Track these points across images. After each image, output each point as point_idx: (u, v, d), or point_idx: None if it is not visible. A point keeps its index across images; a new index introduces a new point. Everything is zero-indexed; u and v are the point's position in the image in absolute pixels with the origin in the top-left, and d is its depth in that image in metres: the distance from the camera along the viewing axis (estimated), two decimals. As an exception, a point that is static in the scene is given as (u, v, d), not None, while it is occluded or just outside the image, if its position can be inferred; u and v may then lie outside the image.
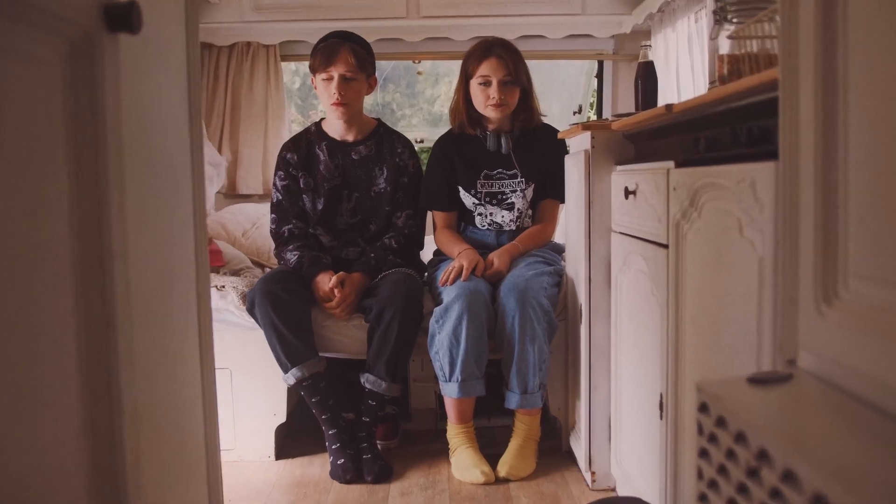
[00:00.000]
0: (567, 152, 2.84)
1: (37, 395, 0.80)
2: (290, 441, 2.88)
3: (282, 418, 2.75)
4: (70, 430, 0.87)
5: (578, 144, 2.50)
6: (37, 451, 0.80)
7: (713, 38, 1.60)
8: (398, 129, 5.62)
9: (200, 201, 1.47)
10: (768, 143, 1.35)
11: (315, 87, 2.80)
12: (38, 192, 0.81)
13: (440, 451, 2.71)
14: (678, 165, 1.71)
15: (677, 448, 1.74)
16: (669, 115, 1.77)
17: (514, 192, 2.82)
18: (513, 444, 2.57)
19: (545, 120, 2.92)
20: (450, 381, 2.50)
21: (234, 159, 4.06)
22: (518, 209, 2.82)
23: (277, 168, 2.91)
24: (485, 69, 2.70)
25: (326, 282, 2.64)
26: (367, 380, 2.59)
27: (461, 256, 2.64)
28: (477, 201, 2.83)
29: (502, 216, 2.83)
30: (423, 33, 3.98)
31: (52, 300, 0.83)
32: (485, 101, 2.72)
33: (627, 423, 2.20)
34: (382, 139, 2.90)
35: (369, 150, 2.87)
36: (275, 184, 2.91)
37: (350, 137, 2.87)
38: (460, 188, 2.85)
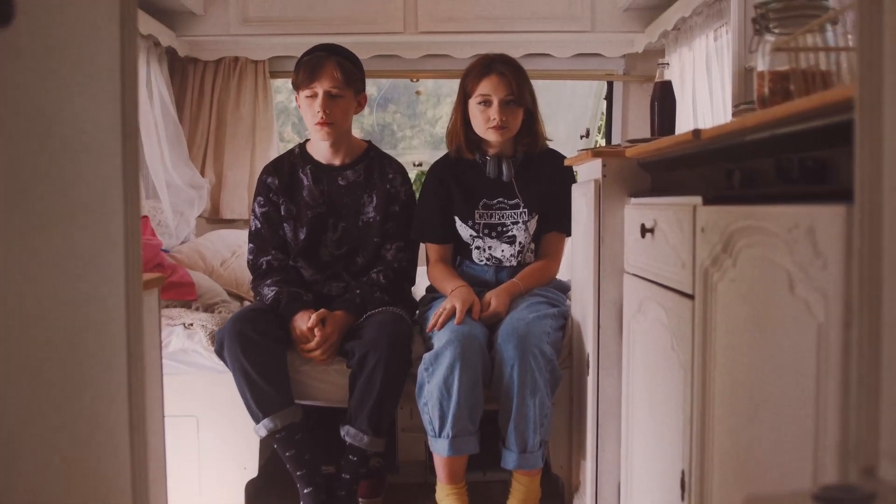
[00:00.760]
0: (575, 181, 2.58)
1: None
2: (262, 498, 2.59)
3: (253, 472, 2.46)
4: None
5: (588, 173, 2.24)
6: None
7: (752, 50, 1.33)
8: (398, 151, 5.47)
9: (133, 237, 1.20)
10: (828, 180, 1.09)
11: (299, 106, 2.55)
12: None
13: (429, 511, 2.43)
14: (707, 202, 1.45)
15: (703, 539, 1.46)
16: (696, 143, 1.50)
17: (516, 223, 2.55)
18: (510, 508, 2.29)
19: (551, 145, 2.65)
20: (439, 436, 2.22)
21: (219, 182, 3.80)
22: (520, 243, 2.55)
23: (257, 193, 2.65)
24: (485, 87, 2.44)
25: (306, 320, 2.37)
26: (348, 433, 2.31)
27: (454, 295, 2.36)
28: (474, 233, 2.57)
29: (502, 250, 2.56)
30: (422, 50, 3.74)
31: None
32: (484, 122, 2.46)
33: (640, 493, 1.92)
34: (372, 164, 2.63)
35: (357, 176, 2.61)
36: (253, 210, 2.65)
37: (337, 161, 2.61)
38: (456, 218, 2.58)
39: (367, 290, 2.50)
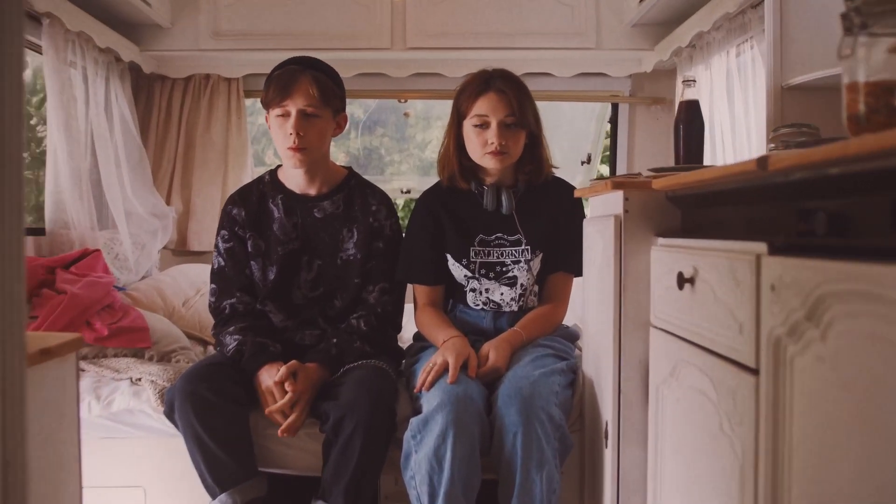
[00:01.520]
0: (584, 214, 2.26)
1: None
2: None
3: (210, 554, 2.11)
4: None
5: (605, 206, 1.92)
6: None
7: (844, 55, 1.01)
8: (386, 177, 5.14)
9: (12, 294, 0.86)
10: None
11: (269, 127, 2.22)
12: None
13: None
14: (776, 251, 1.12)
15: None
16: (759, 174, 1.18)
17: (517, 263, 2.22)
18: None
19: (557, 172, 2.33)
20: (429, 517, 1.87)
21: (186, 210, 3.47)
22: (521, 285, 2.22)
23: (221, 226, 2.31)
24: (482, 107, 2.12)
25: (273, 375, 2.03)
26: (321, 510, 1.96)
27: (447, 347, 2.03)
28: (470, 274, 2.23)
29: (501, 294, 2.22)
30: (411, 68, 3.44)
31: None
32: (481, 147, 2.14)
33: None
34: (353, 193, 2.30)
35: (336, 207, 2.28)
36: (216, 246, 2.31)
37: (312, 190, 2.27)
38: (449, 257, 2.25)
39: (346, 339, 2.16)
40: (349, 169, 2.36)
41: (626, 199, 1.74)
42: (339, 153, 5.39)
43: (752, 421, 1.16)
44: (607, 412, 1.83)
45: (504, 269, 2.22)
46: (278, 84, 2.14)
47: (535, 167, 2.23)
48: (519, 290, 2.22)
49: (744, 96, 2.68)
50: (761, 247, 1.16)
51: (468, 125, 2.16)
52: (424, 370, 1.99)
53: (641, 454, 1.76)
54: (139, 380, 2.10)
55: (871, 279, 0.87)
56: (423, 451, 1.86)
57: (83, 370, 2.23)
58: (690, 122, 2.01)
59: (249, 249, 2.26)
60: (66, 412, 1.31)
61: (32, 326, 2.22)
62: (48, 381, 1.22)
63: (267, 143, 5.26)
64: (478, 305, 2.25)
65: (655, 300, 1.67)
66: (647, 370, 1.73)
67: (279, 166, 2.33)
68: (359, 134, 5.00)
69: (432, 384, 1.94)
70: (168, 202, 3.41)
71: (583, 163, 3.98)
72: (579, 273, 2.23)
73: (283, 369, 2.02)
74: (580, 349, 2.29)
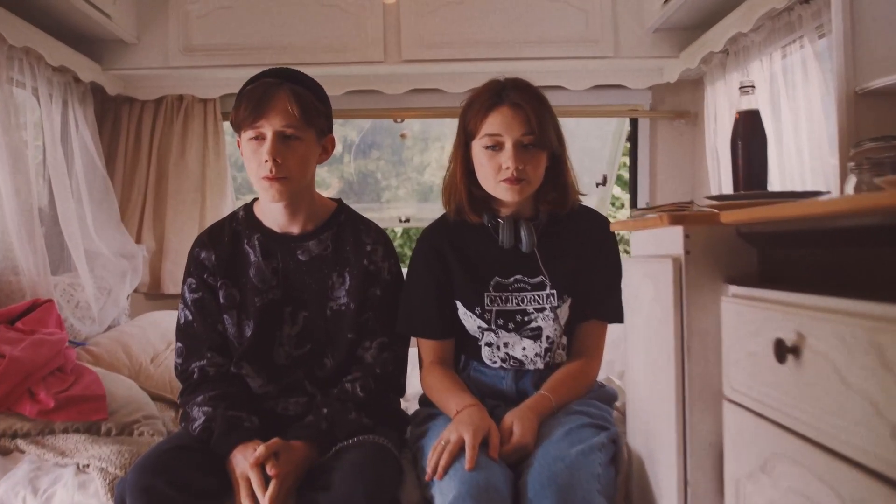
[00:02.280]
0: (619, 249, 1.90)
1: None
2: None
3: None
4: None
5: (656, 244, 1.54)
6: None
7: None
8: (382, 203, 4.79)
9: None
10: None
11: (241, 153, 1.86)
12: None
13: None
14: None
15: None
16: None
17: (542, 311, 1.85)
18: None
19: (584, 200, 1.97)
20: None
21: (159, 248, 3.11)
22: (548, 337, 1.85)
23: (187, 274, 1.94)
24: (494, 124, 1.76)
25: (250, 455, 1.65)
26: None
27: (461, 421, 1.65)
28: (485, 325, 1.86)
29: (524, 349, 1.85)
30: (407, 83, 3.09)
31: None
32: (494, 173, 1.77)
33: None
34: (344, 231, 1.94)
35: (324, 248, 1.91)
36: (182, 297, 1.94)
37: (295, 228, 1.91)
38: (459, 304, 1.88)
39: (339, 408, 1.77)
40: (338, 201, 2.00)
41: (686, 236, 1.37)
42: (333, 178, 5.06)
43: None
44: (669, 506, 1.46)
45: (526, 318, 1.85)
46: (250, 101, 1.77)
47: (559, 195, 1.86)
48: (544, 344, 1.85)
49: (792, 106, 2.32)
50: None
51: (478, 147, 1.80)
52: (435, 450, 1.60)
53: (716, 563, 1.39)
54: (86, 466, 1.72)
55: None
56: (436, 555, 1.48)
57: (22, 452, 1.85)
58: (751, 136, 1.65)
59: (221, 300, 1.89)
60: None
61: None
62: None
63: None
64: (495, 363, 1.87)
65: (732, 367, 1.29)
66: (721, 454, 1.36)
67: (255, 200, 1.96)
68: (352, 158, 4.66)
69: (446, 469, 1.55)
70: (138, 240, 3.05)
71: (598, 185, 3.63)
72: (618, 319, 1.87)
73: (261, 448, 1.63)
74: (618, 410, 1.92)
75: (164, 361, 2.47)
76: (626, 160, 3.62)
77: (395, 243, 6.42)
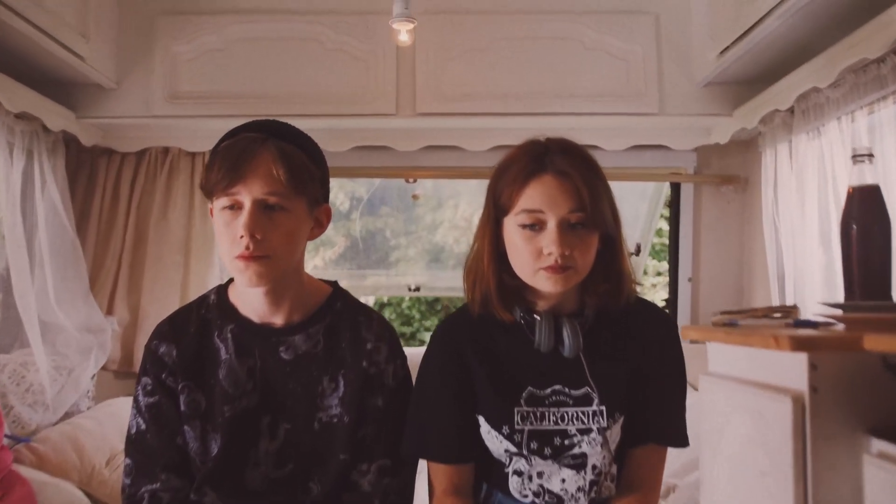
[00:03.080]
0: (681, 353, 1.51)
1: None
2: None
3: None
4: None
5: (759, 368, 1.14)
6: None
7: None
8: (389, 264, 4.43)
9: None
10: None
11: (214, 225, 1.48)
12: None
13: None
14: None
15: None
16: None
17: (587, 432, 1.44)
18: None
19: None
20: None
21: (134, 320, 2.73)
22: (594, 467, 1.44)
23: (142, 371, 1.54)
24: (534, 198, 1.38)
25: None
26: None
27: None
28: (514, 448, 1.45)
29: (563, 480, 1.44)
30: (421, 139, 2.74)
31: None
32: (533, 258, 1.38)
33: None
34: (339, 323, 1.55)
35: (313, 345, 1.52)
36: (135, 400, 1.54)
37: (278, 319, 1.52)
38: (482, 421, 1.48)
39: (325, 557, 1.37)
40: (334, 285, 1.61)
41: (813, 366, 0.98)
42: (338, 237, 4.74)
43: None
44: None
45: (567, 441, 1.44)
46: (226, 160, 1.40)
47: (613, 286, 1.47)
48: (590, 476, 1.43)
49: (882, 171, 1.94)
50: None
51: (512, 225, 1.41)
52: None
53: None
54: None
55: None
56: None
57: None
58: (871, 220, 1.26)
59: (182, 407, 1.49)
60: None
61: None
62: None
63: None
64: (526, 497, 1.46)
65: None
66: None
67: (231, 281, 1.58)
68: (359, 215, 4.32)
69: None
70: (110, 310, 2.67)
71: (630, 255, 3.24)
72: (682, 443, 1.47)
73: None
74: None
75: (121, 464, 2.06)
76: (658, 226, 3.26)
77: (404, 307, 6.05)
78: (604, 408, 1.44)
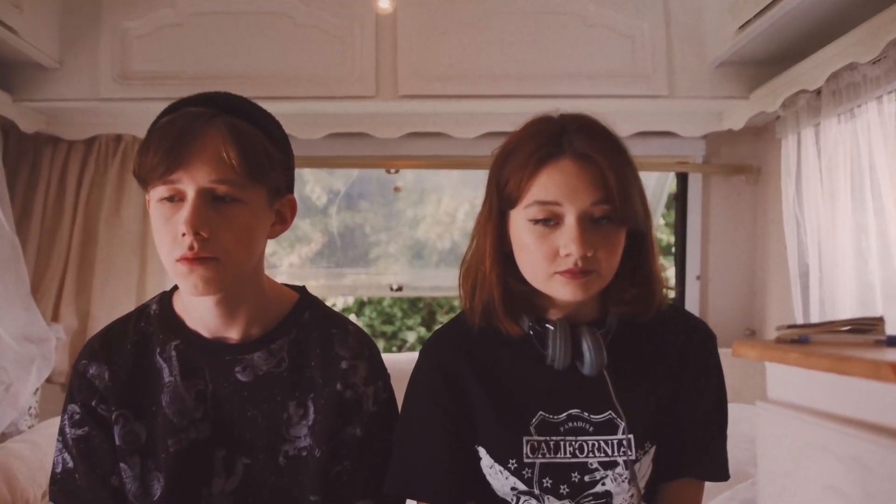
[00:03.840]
0: (721, 373, 1.26)
1: None
2: None
3: None
4: None
5: (849, 402, 0.89)
6: None
7: None
8: (369, 262, 4.18)
9: None
10: None
11: (151, 220, 1.21)
12: None
13: None
14: None
15: None
16: None
17: (612, 466, 1.19)
18: None
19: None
20: None
21: (83, 327, 2.47)
22: (621, 508, 1.20)
23: (69, 398, 1.28)
24: (549, 187, 1.13)
25: None
26: None
27: None
28: (523, 486, 1.20)
29: (582, 525, 1.19)
30: (403, 125, 2.50)
31: None
32: (547, 260, 1.13)
33: None
34: (307, 337, 1.29)
35: (276, 364, 1.26)
36: (61, 432, 1.28)
37: (233, 334, 1.25)
38: (483, 453, 1.23)
39: None
40: (301, 291, 1.35)
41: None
42: (315, 232, 4.49)
43: None
44: None
45: (587, 477, 1.19)
46: (164, 140, 1.13)
47: (643, 292, 1.21)
48: (615, 518, 1.19)
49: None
50: None
51: (521, 220, 1.15)
52: None
53: None
54: None
55: None
56: None
57: None
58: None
59: (118, 441, 1.22)
60: None
61: None
62: None
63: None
64: (539, 547, 1.21)
65: None
66: None
67: (174, 289, 1.31)
68: (337, 210, 4.07)
69: None
70: (55, 317, 2.41)
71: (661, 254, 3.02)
72: (722, 477, 1.24)
73: None
74: None
75: (59, 499, 1.80)
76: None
77: (384, 304, 5.81)
78: (631, 436, 1.20)
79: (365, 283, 3.79)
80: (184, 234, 1.11)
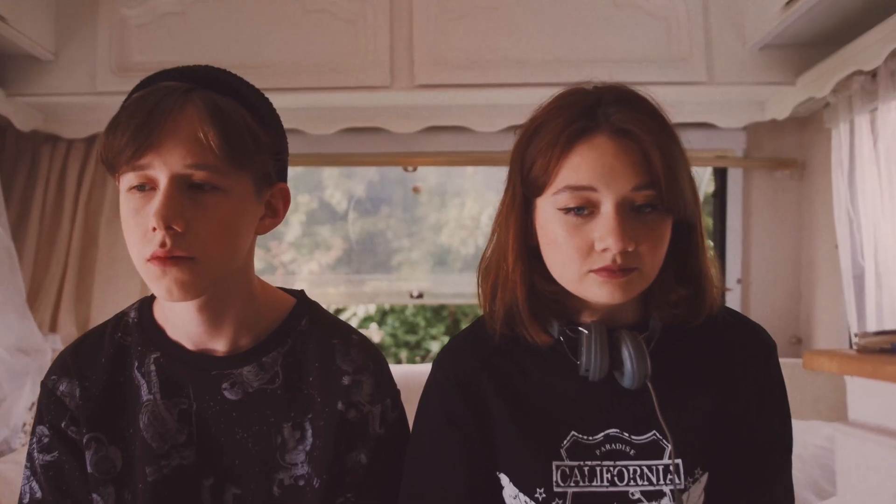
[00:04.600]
0: (784, 388, 1.10)
1: None
2: None
3: None
4: None
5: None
6: None
7: None
8: (391, 268, 4.04)
9: None
10: None
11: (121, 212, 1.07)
12: None
13: None
14: None
15: None
16: None
17: (658, 497, 1.04)
18: None
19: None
20: None
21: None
22: (668, 547, 1.03)
23: (38, 419, 1.15)
24: (581, 168, 0.98)
25: None
26: None
27: None
28: (553, 518, 1.04)
29: (624, 568, 1.03)
30: (421, 118, 2.37)
31: None
32: (581, 257, 0.98)
33: None
34: (304, 349, 1.14)
35: (269, 379, 1.11)
36: (29, 457, 1.14)
37: (220, 346, 1.11)
38: (506, 481, 1.08)
39: None
40: (299, 296, 1.19)
41: None
42: (336, 238, 4.39)
43: None
44: None
45: (628, 506, 1.03)
46: (133, 119, 0.99)
47: (692, 293, 1.05)
48: (661, 559, 1.03)
49: None
50: None
51: (549, 209, 1.00)
52: None
53: None
54: None
55: None
56: None
57: None
58: None
59: (90, 468, 1.08)
60: None
61: None
62: None
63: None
64: (572, 591, 1.05)
65: None
66: None
67: (154, 297, 1.16)
68: (357, 216, 3.97)
69: None
70: (53, 327, 2.33)
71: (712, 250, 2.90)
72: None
73: None
74: None
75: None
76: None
77: (408, 313, 5.69)
78: (679, 462, 1.04)
79: (385, 290, 3.73)
80: (154, 229, 0.96)
